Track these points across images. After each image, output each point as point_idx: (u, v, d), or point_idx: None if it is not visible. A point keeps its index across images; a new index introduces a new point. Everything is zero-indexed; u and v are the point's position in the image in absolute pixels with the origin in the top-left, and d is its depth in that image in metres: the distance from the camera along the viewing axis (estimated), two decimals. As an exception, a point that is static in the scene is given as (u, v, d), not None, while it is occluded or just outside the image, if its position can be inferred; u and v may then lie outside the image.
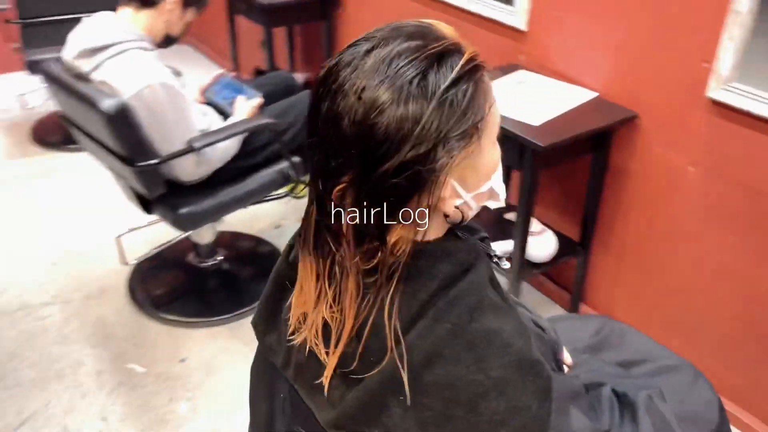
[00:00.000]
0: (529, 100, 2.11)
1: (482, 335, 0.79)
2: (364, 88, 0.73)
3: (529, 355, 0.80)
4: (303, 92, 2.53)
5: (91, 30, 1.99)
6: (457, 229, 0.90)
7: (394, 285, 0.79)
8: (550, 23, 2.25)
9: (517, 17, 2.33)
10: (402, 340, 0.79)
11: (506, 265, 0.95)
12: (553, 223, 2.42)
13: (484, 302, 0.82)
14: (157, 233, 2.72)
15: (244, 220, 2.90)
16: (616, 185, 2.19)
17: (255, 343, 1.05)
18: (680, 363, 1.31)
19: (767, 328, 1.89)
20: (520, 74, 2.29)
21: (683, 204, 1.99)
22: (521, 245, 2.11)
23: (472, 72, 0.76)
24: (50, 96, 2.19)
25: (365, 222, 0.77)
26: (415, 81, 0.72)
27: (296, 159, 2.35)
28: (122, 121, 1.88)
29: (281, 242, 2.82)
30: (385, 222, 0.77)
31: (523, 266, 2.18)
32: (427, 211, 0.77)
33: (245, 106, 2.28)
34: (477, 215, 0.90)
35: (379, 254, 0.79)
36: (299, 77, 3.48)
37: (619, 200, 2.20)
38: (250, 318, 1.04)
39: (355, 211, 0.77)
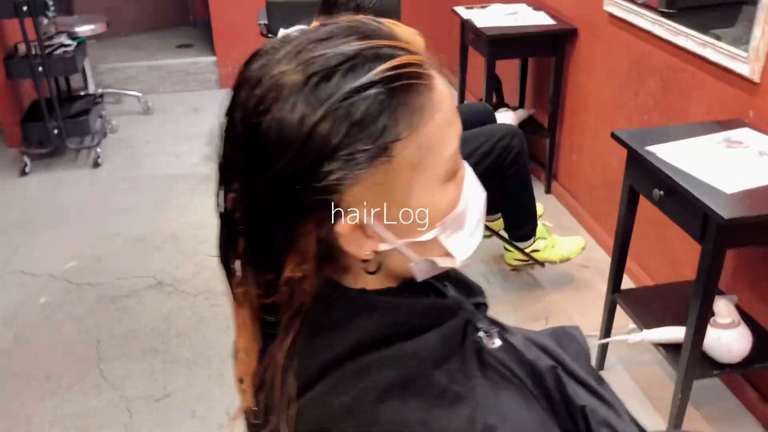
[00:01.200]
0: (733, 163, 1.73)
1: (385, 425, 0.61)
2: (260, 79, 0.61)
3: None
4: (492, 125, 2.39)
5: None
6: (439, 284, 0.73)
7: (292, 334, 0.66)
8: (789, 74, 1.83)
9: (749, 66, 1.94)
10: (295, 404, 0.65)
11: (494, 344, 0.74)
12: (764, 319, 1.96)
13: (413, 383, 0.63)
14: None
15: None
16: None
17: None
18: None
19: None
20: (740, 133, 1.90)
21: None
22: (695, 336, 1.73)
23: (394, 80, 0.59)
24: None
25: (254, 244, 0.65)
26: (314, 79, 0.59)
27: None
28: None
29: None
30: (275, 248, 0.64)
31: (696, 362, 1.78)
32: (316, 244, 0.63)
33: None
34: None
35: (278, 289, 0.66)
36: (521, 113, 3.31)
37: None
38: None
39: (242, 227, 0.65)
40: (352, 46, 0.60)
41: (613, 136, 1.95)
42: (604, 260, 2.76)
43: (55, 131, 3.65)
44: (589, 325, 2.35)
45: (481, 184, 0.73)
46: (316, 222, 0.62)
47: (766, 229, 1.62)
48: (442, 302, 0.72)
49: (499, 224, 2.69)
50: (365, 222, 0.63)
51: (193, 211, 3.30)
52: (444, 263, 0.69)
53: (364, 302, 0.66)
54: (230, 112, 0.64)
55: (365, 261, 0.66)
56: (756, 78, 1.92)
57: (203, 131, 4.20)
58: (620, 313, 2.16)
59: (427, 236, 0.66)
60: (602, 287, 2.23)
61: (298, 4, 3.26)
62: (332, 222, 0.61)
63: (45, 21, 3.45)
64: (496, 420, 0.65)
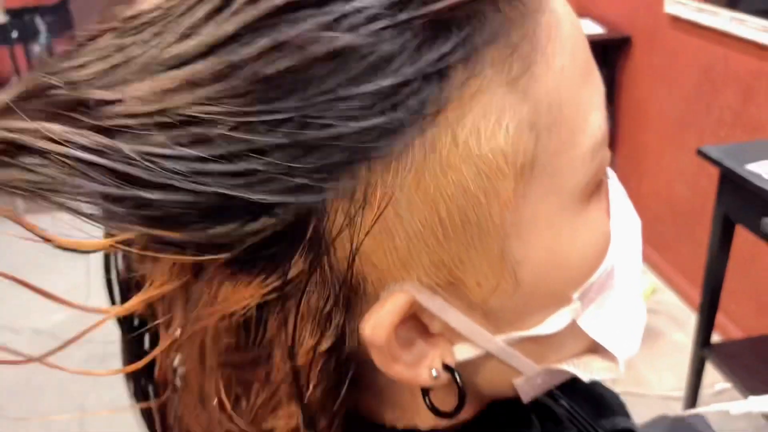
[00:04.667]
0: None
1: None
2: None
3: None
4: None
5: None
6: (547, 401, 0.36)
7: None
8: None
9: None
10: None
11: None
12: None
13: None
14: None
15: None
16: None
17: None
18: None
19: None
20: None
21: None
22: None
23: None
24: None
25: None
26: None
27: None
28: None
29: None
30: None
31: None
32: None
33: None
34: None
35: None
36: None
37: None
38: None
39: None
40: None
41: (700, 153, 1.57)
42: (675, 304, 2.36)
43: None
44: (666, 385, 1.95)
45: None
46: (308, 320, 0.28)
47: None
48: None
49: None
50: (423, 306, 0.28)
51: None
52: (589, 374, 0.33)
53: None
54: None
55: (425, 389, 0.30)
56: None
57: None
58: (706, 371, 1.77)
59: (556, 321, 0.29)
60: (677, 337, 1.84)
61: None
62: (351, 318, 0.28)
63: (36, 48, 3.17)
64: None
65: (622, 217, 0.34)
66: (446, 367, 0.30)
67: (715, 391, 1.92)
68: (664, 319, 2.34)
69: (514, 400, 0.34)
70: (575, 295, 0.30)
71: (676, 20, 2.28)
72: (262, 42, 0.24)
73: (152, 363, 0.33)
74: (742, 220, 1.52)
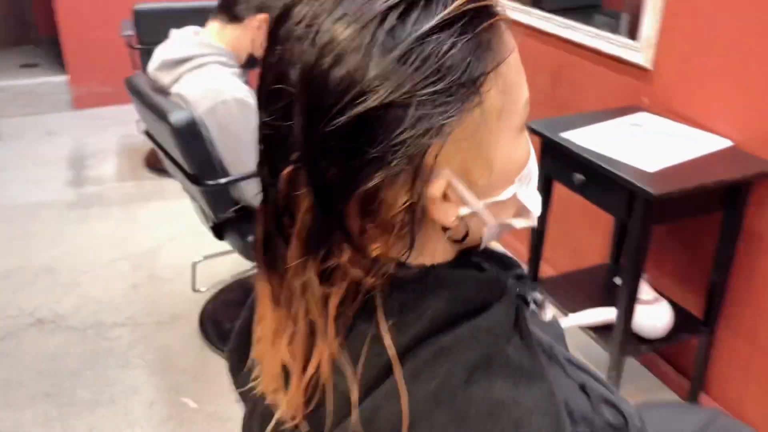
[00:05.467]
0: (645, 144, 1.80)
1: (481, 406, 0.54)
2: (319, 30, 0.52)
3: None
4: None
5: (175, 43, 1.93)
6: (477, 259, 0.66)
7: (372, 322, 0.57)
8: (680, 61, 1.94)
9: (641, 54, 2.04)
10: (366, 399, 0.56)
11: (548, 315, 0.69)
12: (672, 294, 2.05)
13: (494, 360, 0.57)
14: (238, 263, 2.61)
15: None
16: (751, 252, 1.81)
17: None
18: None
19: None
20: (639, 117, 1.99)
21: (837, 281, 1.59)
22: (626, 313, 1.78)
23: (472, 18, 0.53)
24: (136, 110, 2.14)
25: (323, 218, 0.55)
26: (388, 21, 0.51)
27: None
28: (190, 136, 1.78)
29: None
30: (347, 221, 0.55)
31: (628, 339, 1.83)
32: (406, 213, 0.54)
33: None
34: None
35: (343, 275, 0.57)
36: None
37: (753, 270, 1.82)
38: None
39: (309, 204, 0.55)
40: None
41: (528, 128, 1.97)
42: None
43: None
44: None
45: None
46: (404, 187, 0.53)
47: (688, 204, 1.70)
48: (499, 275, 0.66)
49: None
50: (452, 184, 0.55)
51: (66, 240, 2.98)
52: (520, 223, 0.63)
53: (433, 279, 0.59)
54: (280, 74, 0.54)
55: (446, 230, 0.58)
56: (649, 65, 2.03)
57: (62, 155, 3.85)
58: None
59: (506, 194, 0.60)
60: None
61: (171, 10, 3.08)
62: (424, 182, 0.53)
63: None
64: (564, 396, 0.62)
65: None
66: (458, 218, 0.59)
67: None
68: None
69: (471, 253, 0.64)
70: (516, 179, 0.61)
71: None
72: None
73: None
74: (560, 177, 1.94)
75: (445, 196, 0.57)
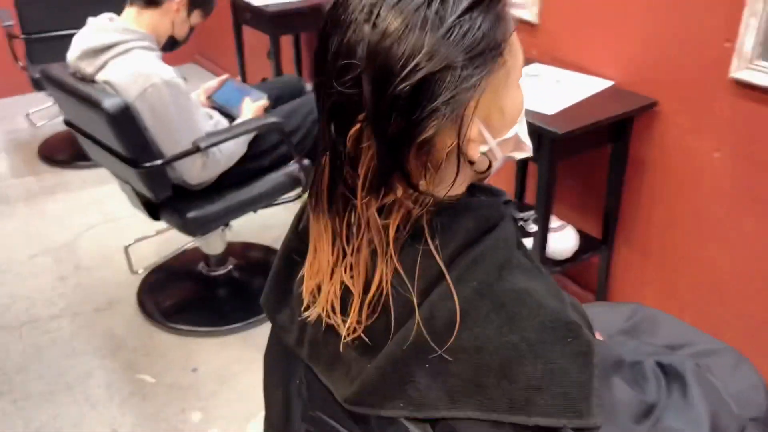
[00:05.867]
0: (543, 91, 2.04)
1: (512, 294, 0.73)
2: (378, 15, 0.67)
3: (565, 316, 0.73)
4: (310, 94, 2.48)
5: (94, 31, 1.96)
6: (477, 191, 0.83)
7: (420, 242, 0.73)
8: (562, 14, 2.19)
9: (527, 10, 2.27)
10: (424, 303, 0.73)
11: (533, 227, 0.88)
12: (574, 221, 2.34)
13: (512, 261, 0.75)
14: (166, 243, 2.67)
15: (255, 229, 2.84)
16: (638, 177, 2.11)
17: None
18: (721, 347, 1.23)
19: (804, 317, 1.80)
20: (533, 68, 2.23)
21: (710, 193, 1.91)
22: (541, 241, 2.03)
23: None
24: (55, 103, 2.15)
25: (386, 164, 0.70)
26: (432, 6, 0.66)
27: (306, 162, 2.29)
28: (125, 121, 1.83)
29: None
30: (407, 164, 0.70)
31: (544, 263, 2.10)
32: (453, 154, 0.71)
33: (251, 107, 2.23)
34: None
35: (398, 207, 0.73)
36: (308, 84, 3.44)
37: (641, 193, 2.12)
38: (262, 327, 0.98)
39: (373, 154, 0.70)
40: None
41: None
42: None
43: None
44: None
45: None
46: (449, 133, 0.69)
47: (584, 140, 1.96)
48: (500, 198, 0.84)
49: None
50: (479, 128, 0.72)
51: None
52: (520, 155, 0.81)
53: (462, 205, 0.76)
54: (345, 54, 0.68)
55: (471, 163, 0.75)
56: (535, 20, 2.27)
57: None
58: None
59: (512, 132, 0.77)
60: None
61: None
62: (467, 128, 0.70)
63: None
64: None
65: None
66: (481, 154, 0.76)
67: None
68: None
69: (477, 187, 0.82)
70: (518, 119, 0.78)
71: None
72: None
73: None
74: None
75: (475, 137, 0.73)
